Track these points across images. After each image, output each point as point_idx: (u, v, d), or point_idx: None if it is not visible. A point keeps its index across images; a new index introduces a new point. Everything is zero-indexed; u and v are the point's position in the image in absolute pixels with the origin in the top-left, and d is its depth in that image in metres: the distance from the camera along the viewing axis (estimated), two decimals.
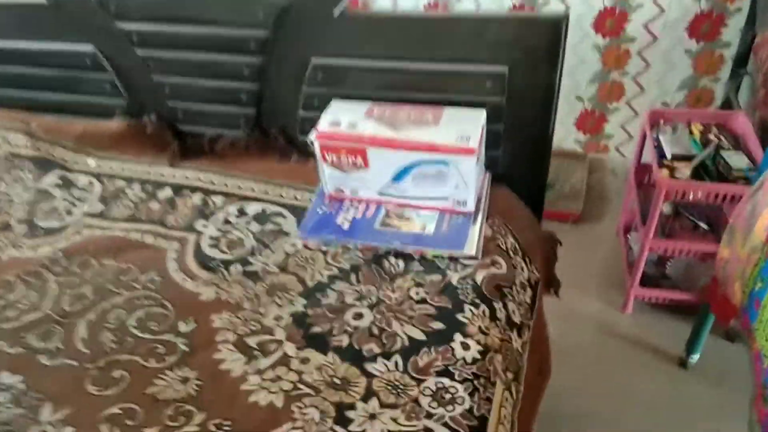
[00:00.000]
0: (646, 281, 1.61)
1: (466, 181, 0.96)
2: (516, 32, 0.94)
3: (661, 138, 1.52)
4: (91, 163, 1.20)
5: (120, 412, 0.76)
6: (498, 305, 0.89)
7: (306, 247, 1.00)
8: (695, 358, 1.48)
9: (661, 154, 1.48)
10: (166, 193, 1.12)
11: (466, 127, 0.97)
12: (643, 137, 1.63)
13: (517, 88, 0.99)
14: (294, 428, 0.73)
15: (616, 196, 2.03)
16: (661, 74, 1.90)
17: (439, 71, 1.01)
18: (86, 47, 1.16)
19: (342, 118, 1.00)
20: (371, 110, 1.02)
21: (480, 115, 1.00)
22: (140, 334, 0.87)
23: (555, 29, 0.92)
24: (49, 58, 1.20)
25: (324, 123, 1.00)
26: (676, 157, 1.45)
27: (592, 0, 1.82)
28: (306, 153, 1.16)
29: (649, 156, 1.56)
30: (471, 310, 0.86)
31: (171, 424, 0.74)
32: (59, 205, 1.11)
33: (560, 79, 0.97)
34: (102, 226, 1.06)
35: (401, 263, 0.95)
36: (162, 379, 0.80)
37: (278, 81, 1.11)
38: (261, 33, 1.05)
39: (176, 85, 1.16)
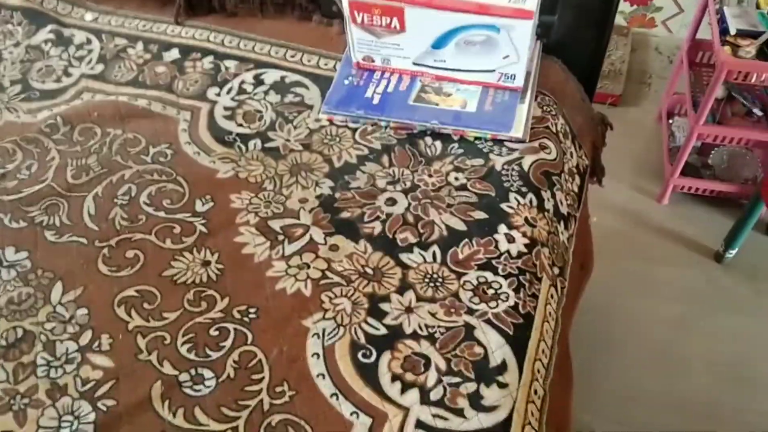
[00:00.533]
0: (686, 170, 1.51)
1: (518, 51, 0.84)
2: None
3: (725, 11, 1.35)
4: (88, 16, 1.06)
5: (136, 294, 0.70)
6: (546, 194, 0.80)
7: (331, 122, 0.89)
8: (732, 253, 1.42)
9: (723, 30, 1.32)
10: (173, 54, 1.00)
11: None
12: (703, 8, 1.45)
13: None
14: (325, 318, 0.67)
15: (660, 77, 1.87)
16: None
17: None
18: None
19: None
20: None
21: None
22: (153, 212, 0.79)
23: None
24: None
25: None
26: (740, 33, 1.29)
27: None
28: (330, 13, 1.02)
29: (706, 31, 1.40)
30: (517, 199, 0.78)
31: (192, 309, 0.69)
32: (55, 64, 0.99)
33: None
34: (104, 90, 0.95)
35: (439, 144, 0.85)
36: (180, 261, 0.74)
37: None
38: None
39: None
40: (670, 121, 1.66)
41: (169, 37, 1.02)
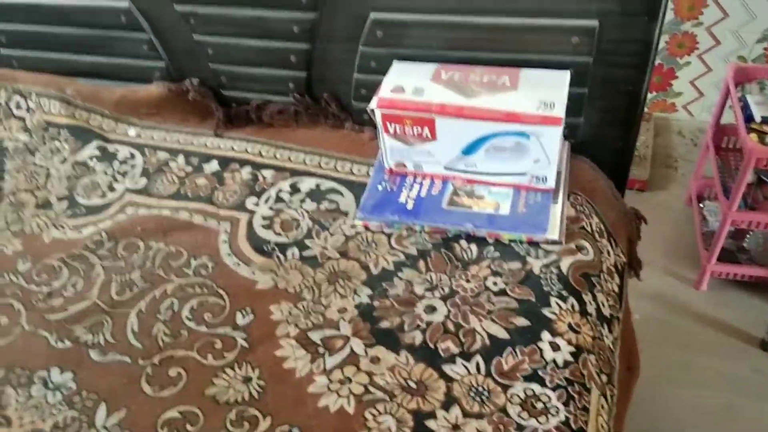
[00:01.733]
0: (721, 255, 1.49)
1: (548, 155, 0.85)
2: None
3: (748, 98, 1.37)
4: (132, 132, 1.12)
5: (179, 416, 0.70)
6: (587, 297, 0.79)
7: (367, 228, 0.91)
8: None
9: (748, 117, 1.34)
10: (213, 166, 1.04)
11: (548, 91, 0.85)
12: (725, 96, 1.48)
13: (608, 45, 0.86)
14: None
15: (685, 160, 1.88)
16: (739, 24, 1.72)
17: (516, 26, 0.89)
18: (121, 3, 1.05)
19: (406, 82, 0.89)
20: (438, 73, 0.91)
21: (564, 78, 0.88)
22: (195, 327, 0.80)
23: None
24: (81, 16, 1.10)
25: (386, 89, 0.89)
26: (766, 120, 1.30)
27: None
28: (361, 121, 1.06)
29: (729, 115, 1.41)
30: (558, 304, 0.77)
31: (234, 430, 0.68)
32: (100, 179, 1.04)
33: (660, 35, 0.84)
34: (147, 204, 0.99)
35: (474, 248, 0.86)
36: (221, 378, 0.73)
37: (331, 40, 0.99)
38: None
39: (219, 46, 1.06)
40: (701, 205, 1.66)
41: (209, 149, 1.07)
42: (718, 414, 1.30)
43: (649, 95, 1.93)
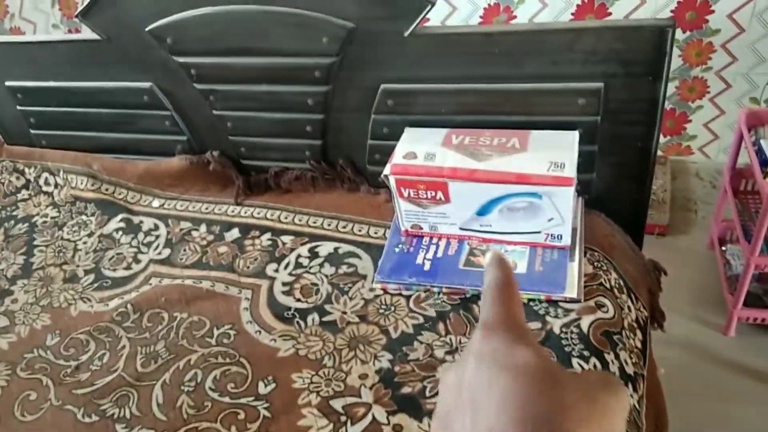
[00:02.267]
0: (748, 300, 1.46)
1: (562, 215, 0.86)
2: (614, 43, 0.83)
3: (762, 143, 1.37)
4: (155, 203, 1.16)
5: None
6: (609, 356, 0.79)
7: (385, 291, 0.92)
8: None
9: (763, 160, 1.34)
10: (234, 234, 1.06)
11: (558, 152, 0.87)
12: (739, 139, 1.48)
13: (615, 104, 0.88)
14: None
15: (704, 203, 1.87)
16: (749, 67, 1.74)
17: (524, 90, 0.92)
18: (143, 84, 1.12)
19: (418, 148, 0.92)
20: (449, 137, 0.93)
21: (573, 138, 0.90)
22: (219, 398, 0.80)
23: (660, 38, 0.81)
24: (106, 96, 1.16)
25: (398, 155, 0.92)
26: None
27: None
28: (376, 184, 1.08)
29: (746, 159, 1.41)
30: (580, 365, 0.76)
31: None
32: (125, 251, 1.07)
33: (665, 93, 0.86)
34: (171, 274, 1.01)
35: None
36: None
37: (345, 110, 1.03)
38: (326, 60, 0.97)
39: (238, 119, 1.11)
40: (723, 248, 1.64)
41: (229, 217, 1.10)
42: None
43: (664, 139, 1.94)
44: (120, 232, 1.11)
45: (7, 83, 1.21)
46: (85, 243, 1.11)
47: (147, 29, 1.03)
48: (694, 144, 1.92)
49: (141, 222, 1.13)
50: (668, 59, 0.82)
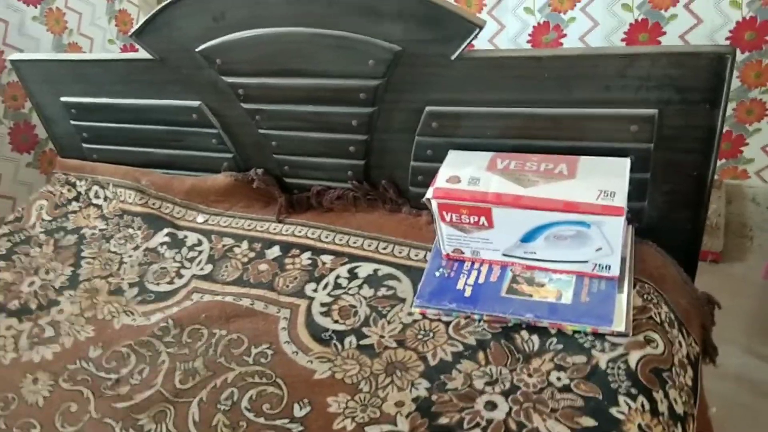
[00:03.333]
0: None
1: (611, 245, 0.83)
2: (669, 70, 0.80)
3: None
4: (200, 219, 1.18)
5: None
6: (658, 395, 0.75)
7: (424, 316, 0.90)
8: None
9: None
10: (275, 251, 1.07)
11: (608, 180, 0.84)
12: None
13: (669, 131, 0.85)
14: None
15: (761, 229, 1.78)
16: None
17: (573, 115, 0.89)
18: (193, 102, 1.14)
19: (461, 172, 0.90)
20: (494, 162, 0.92)
21: (624, 165, 0.86)
22: (254, 418, 0.80)
23: (719, 65, 0.78)
24: (156, 114, 1.19)
25: (441, 179, 0.90)
26: None
27: (726, 9, 1.62)
28: (418, 205, 1.07)
29: None
30: (627, 403, 0.73)
31: None
32: (169, 266, 1.09)
33: (723, 121, 0.82)
34: (212, 290, 1.02)
35: (536, 339, 0.83)
36: None
37: (388, 131, 1.03)
38: (372, 83, 0.97)
39: (283, 138, 1.11)
40: None
41: (271, 234, 1.10)
42: None
43: (719, 162, 1.86)
44: (165, 247, 1.13)
45: (63, 99, 1.26)
46: (130, 256, 1.13)
47: (197, 50, 1.06)
48: (750, 168, 1.84)
49: (185, 237, 1.14)
50: (727, 87, 0.79)
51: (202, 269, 1.07)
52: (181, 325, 0.96)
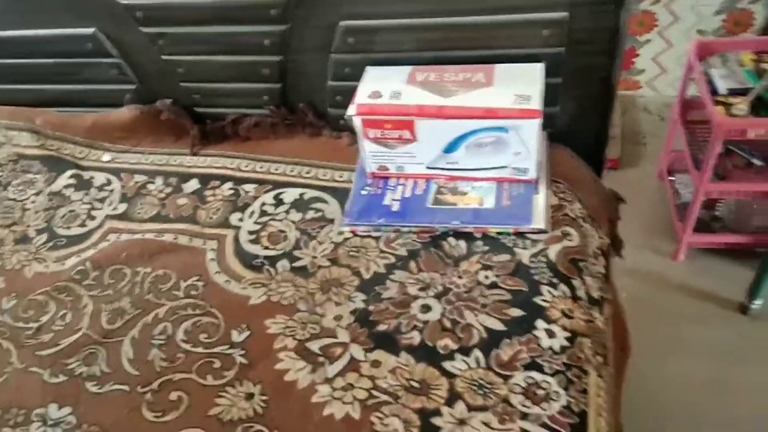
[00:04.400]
0: (695, 226, 1.53)
1: (528, 147, 0.87)
2: None
3: (712, 72, 1.40)
4: (105, 157, 1.10)
5: None
6: (577, 282, 0.81)
7: (355, 234, 0.91)
8: (759, 303, 1.42)
9: (713, 90, 1.37)
10: (193, 185, 1.03)
11: (524, 85, 0.86)
12: (688, 70, 1.51)
13: (578, 34, 0.88)
14: None
15: (653, 136, 1.92)
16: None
17: (487, 23, 0.90)
18: (86, 30, 1.04)
19: (382, 87, 0.90)
20: (413, 75, 0.92)
21: (538, 70, 0.89)
22: (191, 349, 0.79)
23: None
24: (46, 46, 1.08)
25: (363, 95, 0.89)
26: (731, 92, 1.34)
27: None
28: (338, 127, 1.06)
29: (695, 90, 1.45)
30: (550, 292, 0.78)
31: None
32: (78, 208, 1.02)
33: (626, 22, 0.86)
34: (129, 229, 0.97)
35: (463, 244, 0.87)
36: (224, 397, 0.73)
37: (303, 50, 0.99)
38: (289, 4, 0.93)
39: (189, 64, 1.05)
40: (672, 178, 1.70)
41: (186, 168, 1.06)
42: (709, 381, 1.34)
43: None
44: (71, 189, 1.06)
45: None
46: (33, 202, 1.05)
47: None
48: (642, 78, 1.96)
49: (92, 177, 1.07)
50: None
51: (115, 209, 1.01)
52: (100, 267, 0.92)
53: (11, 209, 1.04)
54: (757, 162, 1.48)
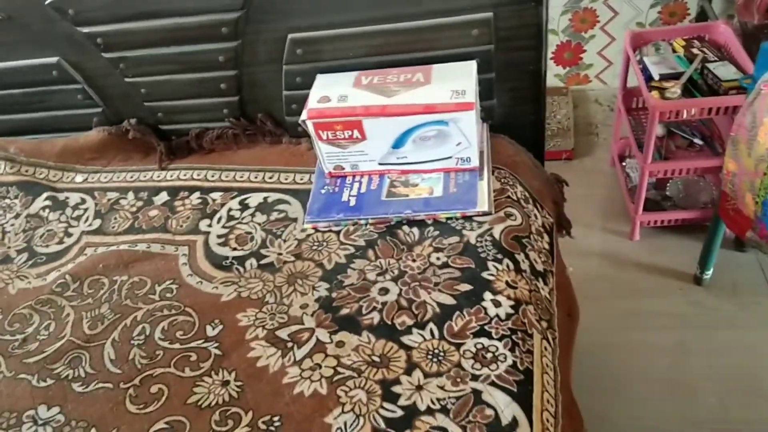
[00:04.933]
0: (648, 206, 1.62)
1: (467, 138, 0.94)
2: None
3: (645, 60, 1.50)
4: (78, 178, 1.16)
5: (167, 426, 0.75)
6: (520, 257, 0.88)
7: (316, 230, 0.98)
8: (709, 273, 1.51)
9: (648, 77, 1.47)
10: (162, 197, 1.09)
11: (459, 81, 0.94)
12: (626, 61, 1.61)
13: (505, 32, 0.96)
14: (344, 412, 0.73)
15: (604, 126, 2.02)
16: None
17: (422, 27, 0.98)
18: (50, 59, 1.11)
19: (330, 92, 0.97)
20: (359, 79, 0.99)
21: (471, 67, 0.97)
22: (169, 345, 0.85)
23: None
24: (13, 77, 1.14)
25: (313, 100, 0.97)
26: (663, 77, 1.44)
27: None
28: (297, 134, 1.13)
29: (635, 80, 1.55)
30: (495, 267, 0.86)
31: (220, 429, 0.74)
32: (55, 227, 1.08)
33: (547, 16, 0.95)
34: (105, 242, 1.03)
35: (416, 231, 0.94)
36: (201, 386, 0.79)
37: (256, 64, 1.06)
38: (231, 15, 1.00)
39: (151, 85, 1.12)
40: (623, 164, 1.79)
41: (156, 182, 1.12)
42: (667, 349, 1.42)
43: (563, 70, 2.07)
44: (47, 210, 1.11)
45: None
46: (12, 225, 1.10)
47: (47, 2, 1.02)
48: (591, 72, 2.06)
49: (67, 198, 1.13)
50: None
51: (90, 225, 1.07)
52: (79, 279, 0.97)
53: None
54: (697, 141, 1.58)
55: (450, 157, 0.98)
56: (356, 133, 0.96)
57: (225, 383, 0.79)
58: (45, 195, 1.14)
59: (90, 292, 0.95)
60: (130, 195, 1.11)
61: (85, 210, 1.10)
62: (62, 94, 1.15)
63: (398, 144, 0.97)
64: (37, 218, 1.10)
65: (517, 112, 1.06)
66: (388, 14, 0.98)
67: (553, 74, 2.07)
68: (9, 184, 1.16)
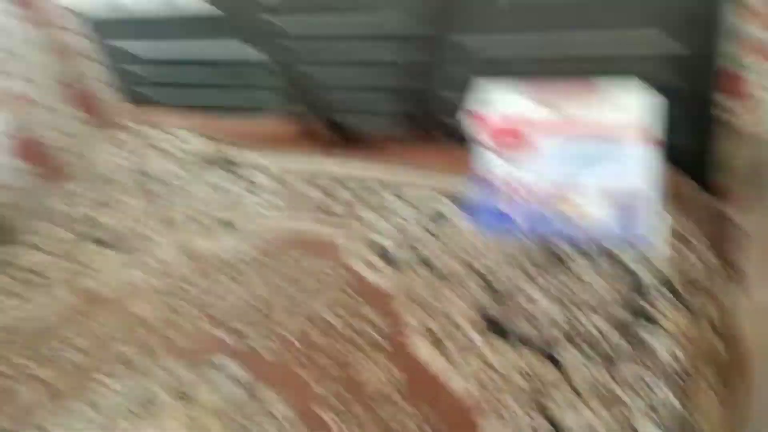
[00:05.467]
0: None
1: (640, 164, 0.93)
2: None
3: None
4: (263, 161, 1.28)
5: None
6: (692, 302, 0.86)
7: (475, 239, 1.01)
8: None
9: None
10: (335, 187, 1.18)
11: (637, 104, 0.93)
12: None
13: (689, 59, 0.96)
14: (498, 418, 0.77)
15: None
16: None
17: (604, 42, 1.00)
18: (241, 46, 1.23)
19: (501, 101, 0.99)
20: (531, 90, 0.99)
21: (650, 90, 0.94)
22: (337, 326, 0.93)
23: None
24: (202, 55, 1.29)
25: (480, 107, 0.99)
26: None
27: None
28: (464, 140, 1.17)
29: None
30: (666, 311, 0.85)
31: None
32: (244, 201, 1.21)
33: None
34: (286, 225, 1.14)
35: (579, 256, 0.95)
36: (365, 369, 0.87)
37: (433, 69, 1.12)
38: (418, 24, 1.06)
39: (332, 78, 1.21)
40: None
41: (327, 171, 1.22)
42: None
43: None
44: (237, 186, 1.25)
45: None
46: (205, 194, 1.26)
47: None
48: None
49: (254, 177, 1.26)
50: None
51: (274, 204, 1.20)
52: (263, 252, 1.10)
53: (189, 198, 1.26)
54: None
55: (621, 182, 0.96)
56: (523, 146, 0.97)
57: (386, 371, 0.86)
58: (226, 170, 1.29)
59: (272, 264, 1.06)
60: (308, 180, 1.20)
61: (270, 190, 1.22)
62: (248, 80, 1.27)
63: (566, 161, 0.97)
64: (226, 192, 1.24)
65: (692, 142, 1.03)
66: (568, 26, 1.00)
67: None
68: (205, 159, 1.32)
